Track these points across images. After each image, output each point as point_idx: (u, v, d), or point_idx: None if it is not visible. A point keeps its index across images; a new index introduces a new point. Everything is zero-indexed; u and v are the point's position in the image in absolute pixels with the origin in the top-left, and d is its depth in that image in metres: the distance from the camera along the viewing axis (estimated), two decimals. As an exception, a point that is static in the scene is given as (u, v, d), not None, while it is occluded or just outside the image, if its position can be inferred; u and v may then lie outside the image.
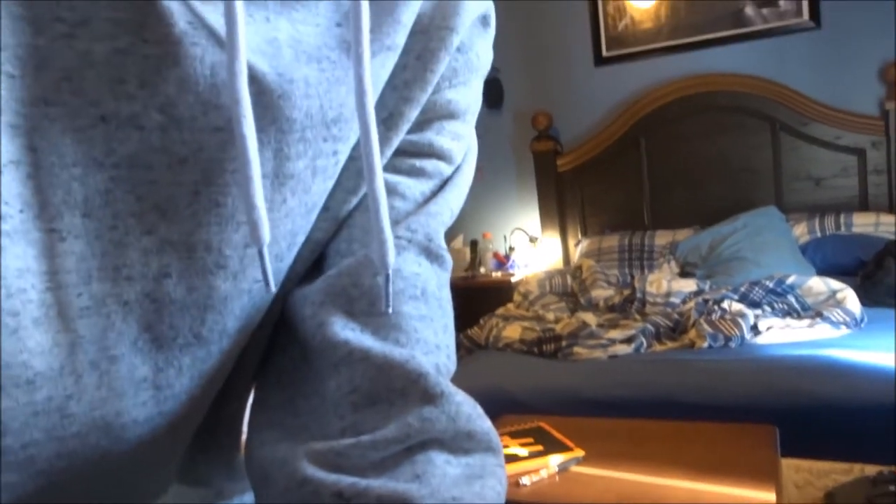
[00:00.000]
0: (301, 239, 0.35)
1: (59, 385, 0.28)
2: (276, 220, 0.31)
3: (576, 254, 3.49)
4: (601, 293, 2.80)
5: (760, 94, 3.20)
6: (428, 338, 0.36)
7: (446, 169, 0.40)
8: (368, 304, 0.34)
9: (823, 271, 2.67)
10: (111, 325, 0.29)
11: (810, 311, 2.36)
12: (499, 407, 1.96)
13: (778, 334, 2.21)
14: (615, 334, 2.33)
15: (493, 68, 3.42)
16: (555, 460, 1.50)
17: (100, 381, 0.29)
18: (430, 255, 0.38)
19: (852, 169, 3.09)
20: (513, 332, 2.50)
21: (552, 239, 3.65)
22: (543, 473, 1.47)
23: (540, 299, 2.92)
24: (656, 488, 1.38)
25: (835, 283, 2.39)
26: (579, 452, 1.53)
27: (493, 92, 3.74)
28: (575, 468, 1.50)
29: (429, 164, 0.39)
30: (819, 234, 2.92)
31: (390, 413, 0.32)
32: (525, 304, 2.93)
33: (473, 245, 3.75)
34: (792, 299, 2.43)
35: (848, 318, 2.20)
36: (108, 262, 0.28)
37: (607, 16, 3.53)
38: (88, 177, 0.27)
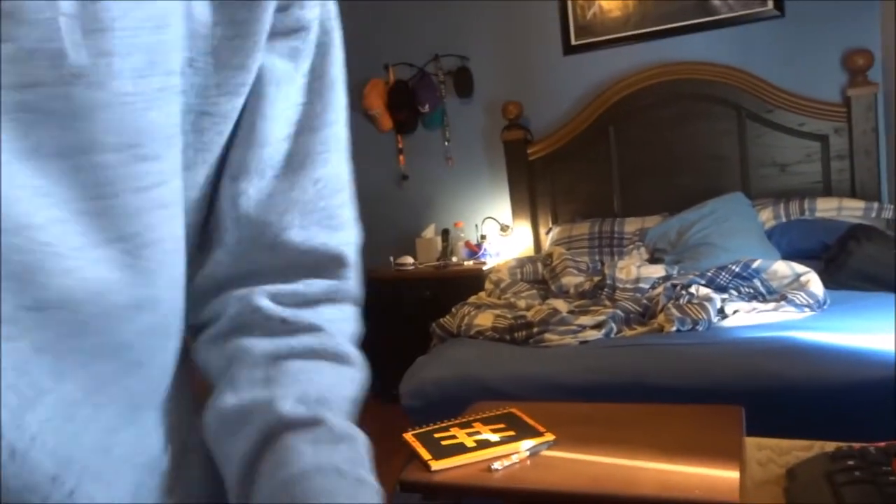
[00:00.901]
0: (164, 72, 0.35)
1: None
2: (122, 36, 0.32)
3: (547, 241, 3.51)
4: (572, 280, 2.82)
5: (726, 82, 3.24)
6: (349, 219, 0.49)
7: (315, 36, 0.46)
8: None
9: (789, 255, 2.72)
10: None
11: (775, 294, 2.40)
12: (471, 393, 1.97)
13: (744, 318, 2.25)
14: (585, 320, 2.35)
15: (464, 57, 3.42)
16: (526, 445, 1.51)
17: None
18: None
19: (815, 155, 3.15)
20: (484, 319, 2.51)
21: (523, 227, 3.67)
22: (515, 458, 1.48)
23: (511, 287, 2.94)
24: (626, 470, 1.40)
25: (799, 267, 2.44)
26: (549, 437, 1.54)
27: (464, 81, 3.74)
28: (546, 452, 1.51)
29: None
30: (784, 219, 2.97)
31: (321, 279, 0.47)
32: (496, 292, 2.94)
33: (445, 234, 3.76)
34: (758, 283, 2.47)
35: (811, 301, 2.25)
36: None
37: (576, 5, 3.54)
38: None
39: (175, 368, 0.43)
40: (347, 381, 0.46)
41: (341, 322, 0.48)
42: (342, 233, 0.48)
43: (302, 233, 0.45)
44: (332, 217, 0.47)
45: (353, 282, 0.49)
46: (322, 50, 0.46)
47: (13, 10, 0.29)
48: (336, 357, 0.46)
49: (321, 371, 0.44)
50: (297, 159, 0.45)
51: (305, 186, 0.45)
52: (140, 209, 0.35)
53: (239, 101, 0.42)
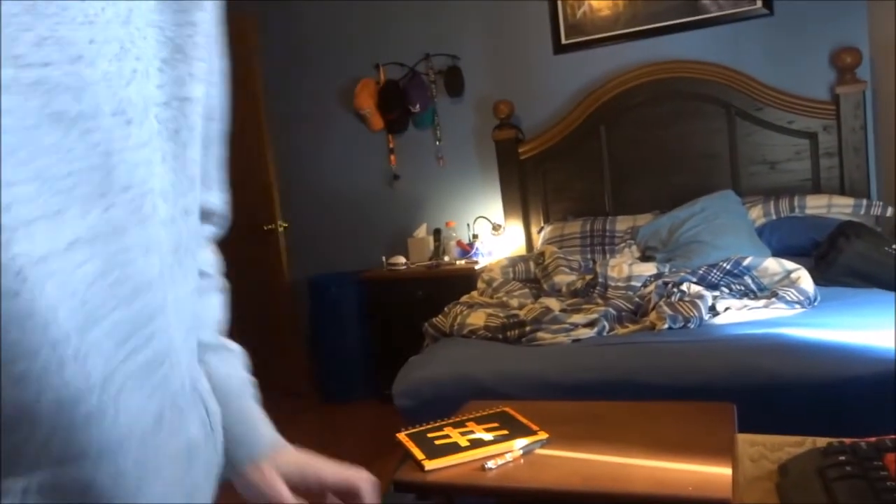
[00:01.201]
0: (134, 57, 0.44)
1: None
2: (102, 28, 0.41)
3: (539, 240, 3.51)
4: (564, 279, 2.83)
5: (716, 80, 3.25)
6: (222, 180, 0.65)
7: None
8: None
9: (779, 252, 2.73)
10: (23, 103, 0.37)
11: (766, 291, 2.42)
12: (465, 393, 1.97)
13: (735, 315, 2.26)
14: (578, 319, 2.36)
15: (454, 57, 3.42)
16: (519, 444, 1.52)
17: None
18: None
19: (805, 152, 3.17)
20: (477, 319, 2.51)
21: (515, 226, 3.67)
22: (508, 457, 1.48)
23: (504, 286, 2.94)
24: (619, 467, 1.40)
25: (789, 264, 2.45)
26: (543, 435, 1.54)
27: (454, 81, 3.74)
28: (539, 451, 1.52)
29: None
30: (774, 217, 2.98)
31: (207, 225, 0.65)
32: (489, 291, 2.94)
33: (437, 234, 3.76)
34: (748, 280, 2.49)
35: (802, 298, 2.26)
36: (6, 52, 0.36)
37: (566, 4, 3.55)
38: None
39: (189, 314, 0.52)
40: (222, 305, 0.70)
41: (214, 260, 0.70)
42: (219, 192, 0.65)
43: (202, 196, 0.61)
44: (215, 181, 0.64)
45: (223, 224, 0.68)
46: (220, 50, 0.57)
47: (31, 7, 0.37)
48: (216, 290, 0.69)
49: (213, 305, 0.68)
50: (204, 143, 0.58)
51: (204, 163, 0.59)
52: (137, 163, 0.44)
53: (205, 86, 0.52)
